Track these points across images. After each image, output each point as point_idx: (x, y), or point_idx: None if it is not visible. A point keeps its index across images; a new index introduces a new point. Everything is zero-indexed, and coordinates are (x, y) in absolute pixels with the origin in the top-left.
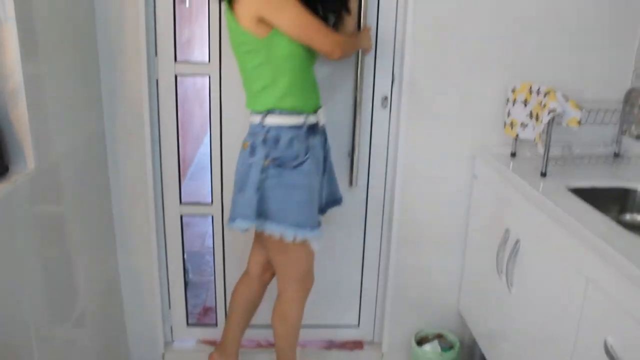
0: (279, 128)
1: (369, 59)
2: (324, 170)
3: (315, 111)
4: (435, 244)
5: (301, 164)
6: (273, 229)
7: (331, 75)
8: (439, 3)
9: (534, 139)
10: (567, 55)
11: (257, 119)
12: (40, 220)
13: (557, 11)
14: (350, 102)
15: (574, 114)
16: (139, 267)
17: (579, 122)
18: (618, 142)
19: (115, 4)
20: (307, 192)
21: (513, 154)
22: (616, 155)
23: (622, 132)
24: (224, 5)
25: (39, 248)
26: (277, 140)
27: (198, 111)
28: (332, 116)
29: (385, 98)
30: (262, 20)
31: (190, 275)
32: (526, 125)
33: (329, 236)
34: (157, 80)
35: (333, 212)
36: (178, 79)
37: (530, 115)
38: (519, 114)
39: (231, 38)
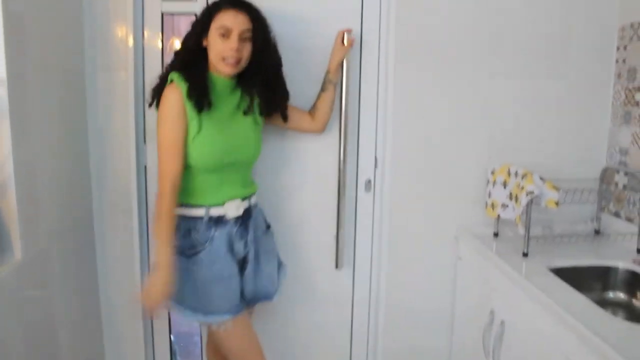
0: (180, 217)
1: (352, 142)
2: (246, 261)
3: (222, 204)
4: (423, 325)
5: (196, 253)
6: (175, 309)
7: (315, 159)
8: (417, 89)
9: (515, 220)
10: (544, 136)
11: None
12: (26, 305)
13: (532, 93)
14: (335, 185)
15: (551, 196)
16: (125, 349)
17: (557, 203)
18: (598, 219)
19: (106, 91)
20: (201, 282)
21: (496, 234)
22: (597, 232)
23: (600, 209)
24: None
25: (24, 331)
26: (177, 229)
27: None
28: (316, 199)
29: (369, 181)
30: None
31: (179, 358)
32: (507, 206)
33: (316, 318)
34: (145, 166)
35: (319, 294)
36: None
37: (510, 196)
38: (499, 195)
39: None
